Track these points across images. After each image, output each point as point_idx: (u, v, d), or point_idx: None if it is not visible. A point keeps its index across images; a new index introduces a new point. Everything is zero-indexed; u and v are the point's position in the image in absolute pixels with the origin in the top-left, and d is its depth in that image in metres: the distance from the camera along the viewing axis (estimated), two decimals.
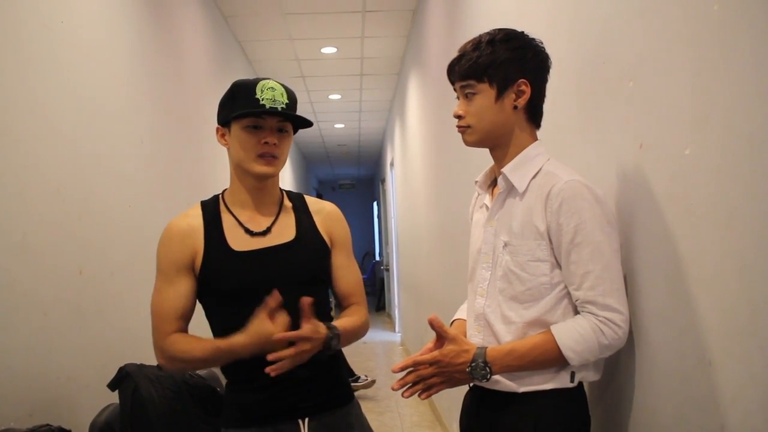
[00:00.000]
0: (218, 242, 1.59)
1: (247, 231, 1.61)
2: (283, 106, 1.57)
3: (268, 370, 1.43)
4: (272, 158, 1.58)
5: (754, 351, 1.01)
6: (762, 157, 0.97)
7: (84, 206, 2.31)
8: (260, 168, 1.58)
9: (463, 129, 1.49)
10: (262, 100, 1.55)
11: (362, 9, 5.03)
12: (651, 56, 1.30)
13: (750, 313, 1.01)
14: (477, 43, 1.46)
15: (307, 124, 1.63)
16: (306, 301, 1.46)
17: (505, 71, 1.43)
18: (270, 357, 1.43)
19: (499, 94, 1.44)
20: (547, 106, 1.52)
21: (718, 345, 1.10)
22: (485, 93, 1.44)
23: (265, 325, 1.43)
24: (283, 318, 1.45)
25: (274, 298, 1.44)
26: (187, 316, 1.58)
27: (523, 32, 1.48)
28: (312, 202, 1.74)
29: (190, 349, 1.52)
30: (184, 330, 1.58)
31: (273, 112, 1.56)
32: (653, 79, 1.29)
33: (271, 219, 1.64)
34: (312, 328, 1.47)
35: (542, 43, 1.48)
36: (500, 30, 1.47)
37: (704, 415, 1.14)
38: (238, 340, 1.46)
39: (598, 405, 1.55)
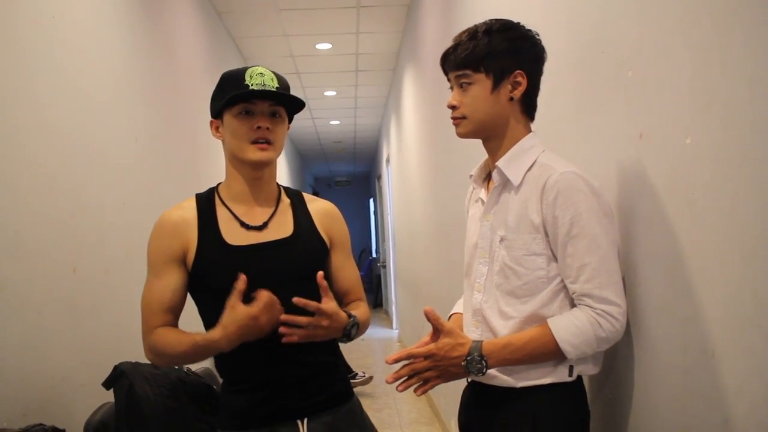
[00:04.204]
0: (213, 236, 1.55)
1: (243, 225, 1.57)
2: (273, 90, 1.54)
3: (282, 330, 1.41)
4: (267, 144, 1.55)
5: (758, 342, 0.99)
6: (765, 145, 0.96)
7: (77, 203, 2.29)
8: (255, 154, 1.54)
9: (457, 120, 1.47)
10: (252, 85, 1.52)
11: (357, 5, 5.01)
12: (650, 44, 1.29)
13: (754, 303, 0.99)
14: (473, 33, 1.44)
15: (299, 104, 1.59)
16: (320, 275, 1.45)
17: (501, 62, 1.41)
18: (283, 318, 1.40)
19: (495, 85, 1.42)
20: (546, 97, 1.51)
21: (721, 336, 1.09)
22: (481, 83, 1.43)
23: (238, 310, 1.38)
24: (264, 294, 1.40)
25: (242, 281, 1.40)
26: (175, 310, 1.54)
27: (519, 23, 1.46)
28: (310, 199, 1.71)
29: (172, 344, 1.48)
30: (173, 324, 1.54)
31: (262, 92, 1.52)
32: (653, 68, 1.28)
33: (268, 214, 1.61)
34: (333, 306, 1.45)
35: (538, 35, 1.46)
36: (496, 20, 1.45)
37: (707, 408, 1.13)
38: (213, 334, 1.41)
39: (597, 399, 1.54)
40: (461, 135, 1.49)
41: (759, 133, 0.97)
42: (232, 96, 1.51)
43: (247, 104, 1.53)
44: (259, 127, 1.53)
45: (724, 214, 1.06)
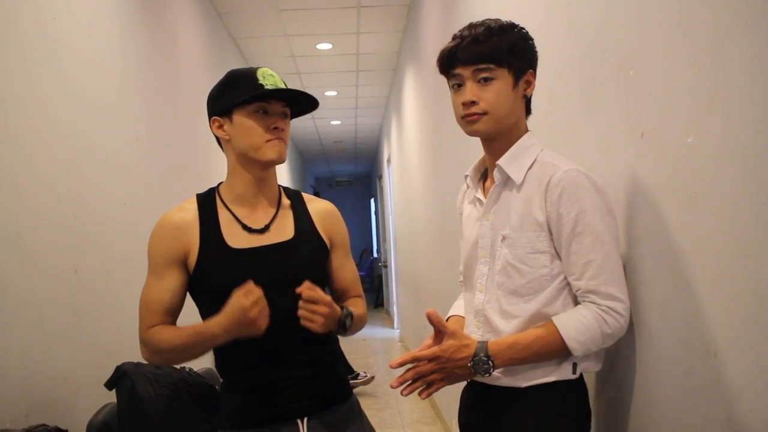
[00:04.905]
0: (214, 238, 1.55)
1: (245, 228, 1.58)
2: (299, 90, 1.56)
3: (301, 313, 1.42)
4: (282, 144, 1.56)
5: (760, 340, 0.99)
6: (766, 143, 0.96)
7: (79, 204, 2.29)
8: (272, 154, 1.55)
9: (477, 117, 1.42)
10: (267, 85, 1.53)
11: (357, 5, 5.01)
12: (651, 44, 1.29)
13: (756, 302, 0.99)
14: (488, 28, 1.41)
15: (312, 106, 1.61)
16: (307, 284, 1.45)
17: (520, 59, 1.42)
18: (299, 290, 1.41)
19: (516, 82, 1.42)
20: (547, 96, 1.51)
21: (723, 335, 1.09)
22: (504, 79, 1.41)
23: (240, 299, 1.38)
24: (256, 291, 1.40)
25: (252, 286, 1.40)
26: (173, 312, 1.55)
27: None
28: (309, 199, 1.71)
29: (170, 338, 1.49)
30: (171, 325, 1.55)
31: (284, 92, 1.54)
32: (654, 67, 1.27)
33: (270, 216, 1.61)
34: (330, 299, 1.47)
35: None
36: (498, 19, 1.45)
37: (709, 406, 1.13)
38: (215, 319, 1.42)
39: (599, 397, 1.54)
40: (480, 132, 1.44)
41: (760, 132, 0.97)
42: (253, 95, 1.52)
43: (263, 103, 1.54)
44: (275, 128, 1.54)
45: (726, 212, 1.06)
